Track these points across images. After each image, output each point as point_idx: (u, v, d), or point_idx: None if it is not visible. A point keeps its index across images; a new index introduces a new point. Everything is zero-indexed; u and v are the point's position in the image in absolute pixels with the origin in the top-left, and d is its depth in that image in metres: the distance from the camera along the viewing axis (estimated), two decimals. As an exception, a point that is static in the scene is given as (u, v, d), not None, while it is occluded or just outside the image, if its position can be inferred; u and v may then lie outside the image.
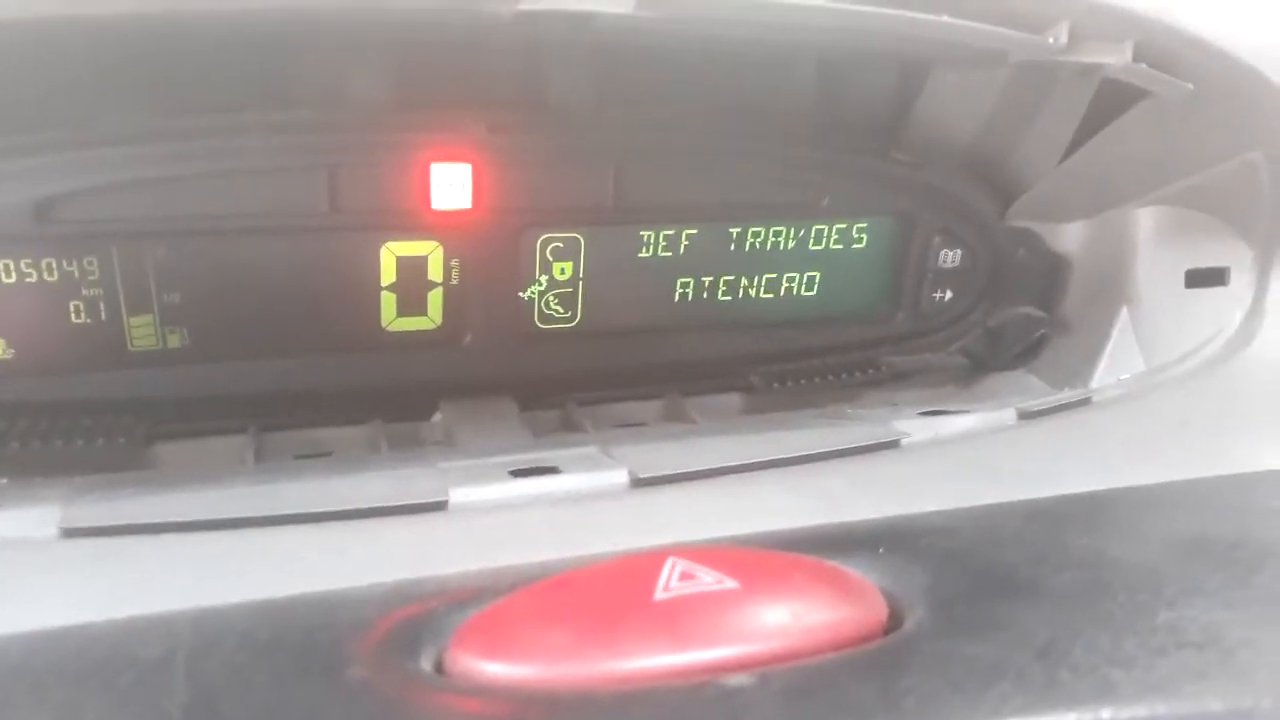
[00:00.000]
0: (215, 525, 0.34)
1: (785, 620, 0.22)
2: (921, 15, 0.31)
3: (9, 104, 0.41)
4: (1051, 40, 0.34)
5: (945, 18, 0.32)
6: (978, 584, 0.25)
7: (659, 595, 0.22)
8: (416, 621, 0.25)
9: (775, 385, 0.55)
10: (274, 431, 0.49)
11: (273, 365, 0.48)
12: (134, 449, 0.46)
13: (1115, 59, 0.36)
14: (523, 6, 0.28)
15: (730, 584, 0.23)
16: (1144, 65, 0.37)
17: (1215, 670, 0.20)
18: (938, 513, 0.33)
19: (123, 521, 0.34)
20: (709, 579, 0.23)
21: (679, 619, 0.22)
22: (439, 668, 0.23)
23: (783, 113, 0.51)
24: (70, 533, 0.34)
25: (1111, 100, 0.47)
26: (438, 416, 0.51)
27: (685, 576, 0.23)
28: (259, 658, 0.24)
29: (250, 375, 0.48)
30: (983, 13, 0.33)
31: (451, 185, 0.46)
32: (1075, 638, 0.22)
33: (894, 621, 0.24)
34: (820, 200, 0.52)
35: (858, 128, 0.53)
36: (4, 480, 0.45)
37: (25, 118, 0.41)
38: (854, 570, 0.26)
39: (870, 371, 0.56)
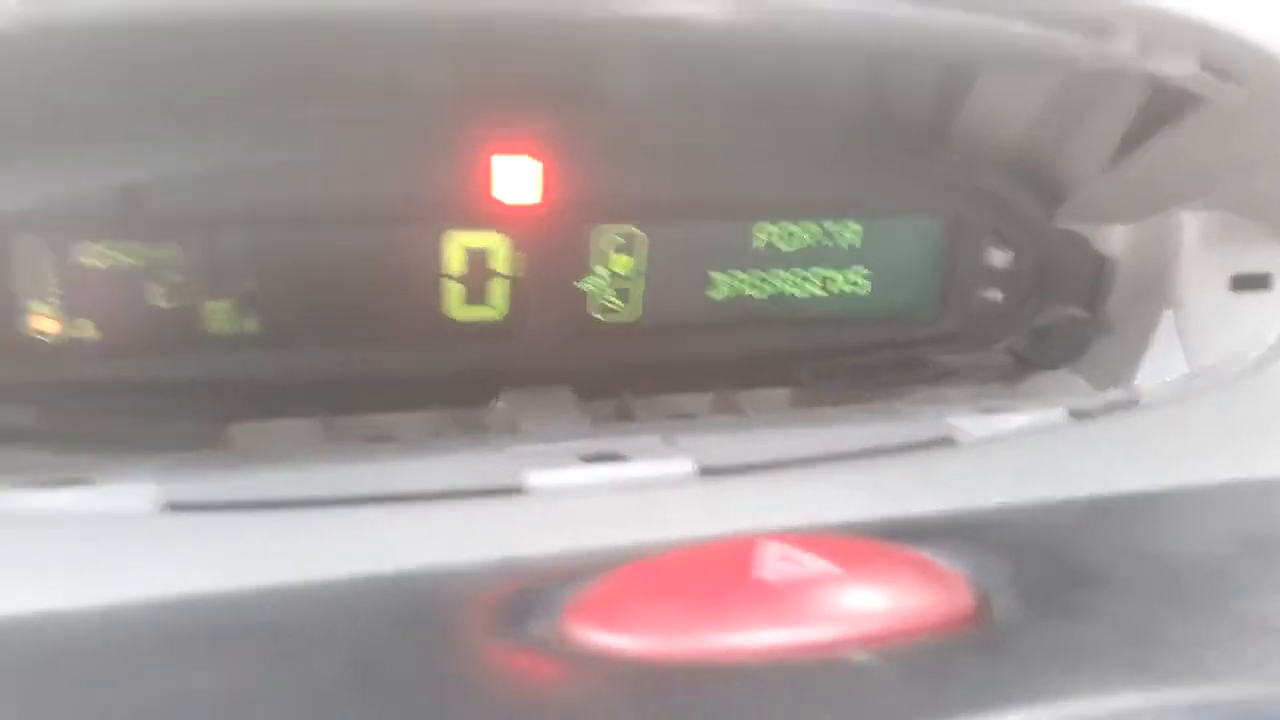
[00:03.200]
0: (308, 503, 0.36)
1: (886, 603, 0.23)
2: (1000, 24, 0.33)
3: (101, 94, 0.42)
4: (1120, 48, 0.35)
5: (1021, 26, 0.33)
6: (1057, 574, 0.27)
7: (763, 575, 0.24)
8: (527, 596, 0.26)
9: (824, 381, 0.56)
10: (341, 415, 0.50)
11: (342, 351, 0.49)
12: (211, 429, 0.48)
13: (1182, 68, 0.37)
14: (613, 9, 0.29)
15: (831, 568, 0.24)
16: (1208, 74, 0.38)
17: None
18: (1002, 507, 0.34)
19: (222, 498, 0.36)
20: (809, 562, 0.24)
21: (786, 598, 0.23)
22: (555, 638, 0.25)
23: (834, 111, 0.53)
24: (172, 507, 0.35)
25: (1158, 105, 0.48)
26: (499, 403, 0.52)
27: (786, 559, 0.24)
28: (382, 629, 0.25)
29: (320, 360, 0.49)
30: (1051, 19, 0.34)
31: (519, 179, 0.48)
32: (1162, 622, 0.23)
33: (981, 608, 0.25)
34: (872, 199, 0.53)
35: (907, 127, 0.54)
36: (88, 458, 0.46)
37: (115, 107, 0.43)
38: (939, 559, 0.27)
39: (918, 369, 0.57)
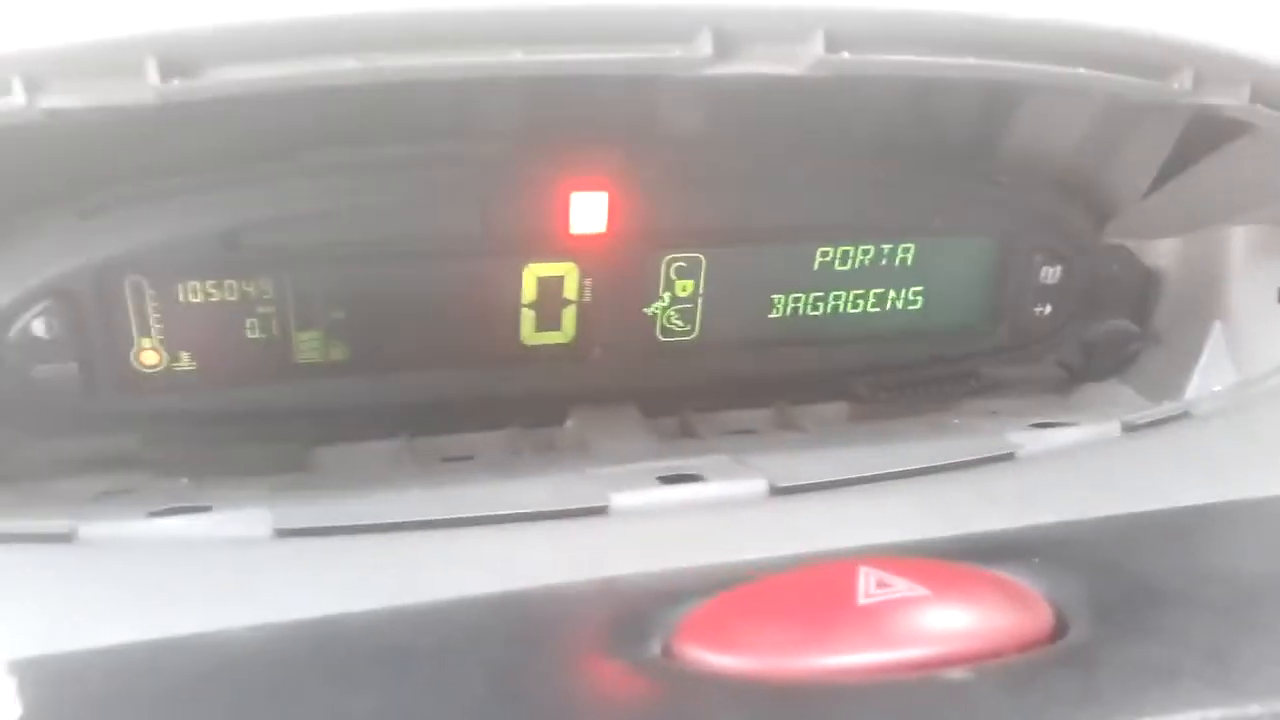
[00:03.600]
0: (408, 527, 0.38)
1: (974, 624, 0.25)
2: (1064, 70, 0.34)
3: (204, 146, 0.45)
4: (1177, 86, 0.37)
5: (1083, 71, 0.35)
6: (1127, 591, 0.28)
7: (862, 600, 0.26)
8: (635, 616, 0.29)
9: (879, 395, 0.58)
10: (421, 437, 0.53)
11: (423, 377, 0.52)
12: (299, 453, 0.51)
13: (1234, 100, 0.39)
14: (710, 71, 0.32)
15: (921, 591, 0.26)
16: (1260, 105, 0.39)
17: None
18: (1067, 524, 0.36)
19: (330, 523, 0.38)
20: (902, 586, 0.26)
21: (884, 621, 0.25)
22: (667, 658, 0.27)
23: (888, 137, 0.54)
24: (283, 533, 0.38)
25: (1206, 128, 0.49)
26: (570, 423, 0.55)
27: (881, 585, 0.26)
28: (497, 649, 0.28)
29: (403, 386, 0.52)
30: (1112, 64, 0.36)
31: (589, 211, 0.50)
32: (1236, 639, 0.25)
33: (1060, 626, 0.27)
34: (929, 220, 0.55)
35: (958, 150, 0.56)
36: (185, 480, 0.49)
37: (217, 156, 0.45)
38: (1017, 579, 0.29)
39: (971, 382, 0.59)
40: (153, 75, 0.29)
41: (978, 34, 0.33)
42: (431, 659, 0.27)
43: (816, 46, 0.32)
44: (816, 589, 0.27)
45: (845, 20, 0.32)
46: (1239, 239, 0.56)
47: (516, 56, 0.30)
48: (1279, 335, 0.56)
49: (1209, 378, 0.57)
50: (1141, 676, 0.24)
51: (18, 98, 0.29)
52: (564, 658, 0.27)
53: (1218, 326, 0.57)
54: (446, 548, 0.37)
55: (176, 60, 0.29)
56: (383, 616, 0.30)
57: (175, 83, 0.29)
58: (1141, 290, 0.60)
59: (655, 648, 0.27)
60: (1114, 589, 0.29)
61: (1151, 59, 0.36)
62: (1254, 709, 0.22)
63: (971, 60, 0.33)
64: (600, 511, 0.40)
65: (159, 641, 0.31)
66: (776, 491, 0.42)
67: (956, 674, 0.24)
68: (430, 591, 0.33)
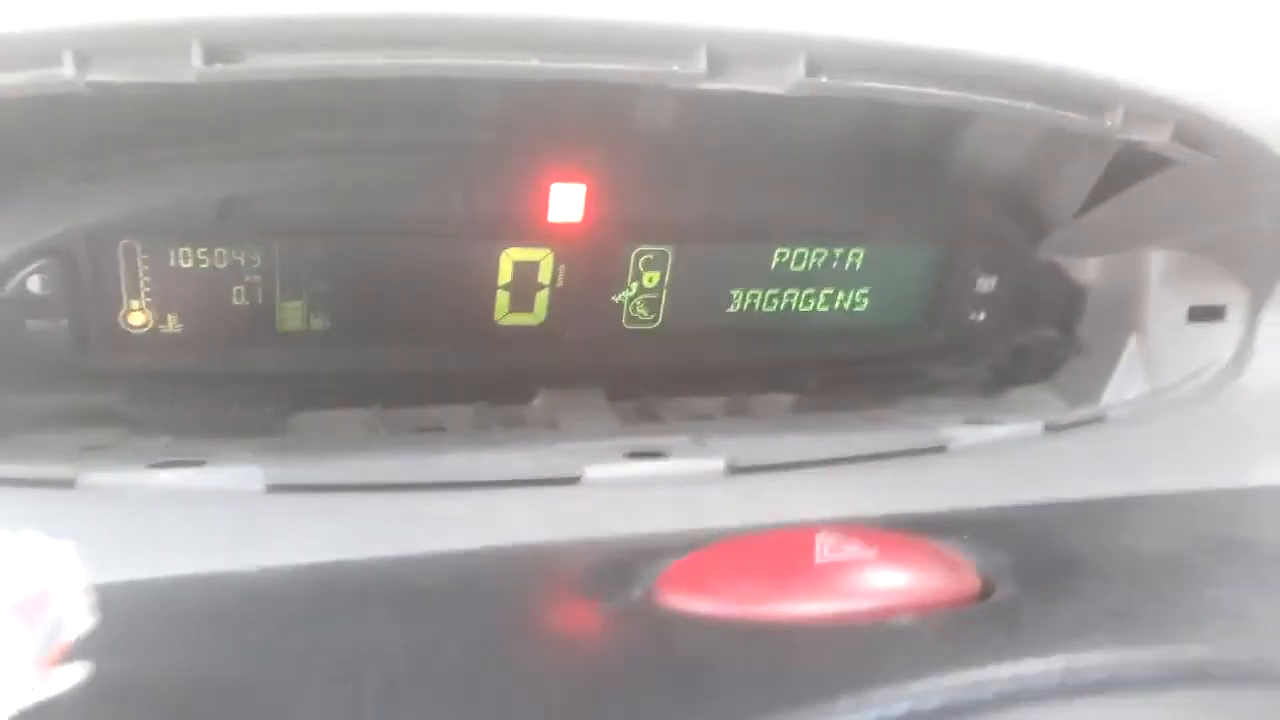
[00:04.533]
0: (395, 488, 0.41)
1: (912, 582, 0.29)
2: (1013, 103, 0.39)
3: (204, 116, 0.47)
4: (1109, 123, 0.41)
5: (1030, 105, 0.39)
6: (1046, 564, 0.33)
7: (820, 559, 0.30)
8: (618, 569, 0.32)
9: (825, 389, 0.62)
10: (395, 408, 0.56)
11: (400, 349, 0.54)
12: (278, 417, 0.53)
13: (1158, 138, 0.43)
14: (703, 86, 0.35)
15: (869, 553, 0.30)
16: (1180, 143, 0.44)
17: (1248, 631, 0.28)
18: (994, 508, 0.41)
19: (318, 481, 0.41)
20: (853, 550, 0.30)
21: (838, 577, 0.29)
22: (650, 603, 0.30)
23: (845, 150, 0.58)
24: (275, 488, 0.41)
25: (1133, 159, 0.54)
26: (537, 401, 0.58)
27: (834, 549, 0.30)
28: (492, 596, 0.31)
29: (380, 357, 0.54)
30: (1055, 99, 0.40)
31: (567, 202, 0.53)
32: (1138, 602, 0.29)
33: (986, 588, 0.31)
34: (877, 226, 0.59)
35: (909, 164, 0.60)
36: (167, 439, 0.51)
37: (214, 128, 0.47)
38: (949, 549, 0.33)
39: (908, 380, 0.63)
40: (197, 59, 0.31)
41: (941, 67, 0.37)
42: (435, 602, 0.31)
43: (798, 70, 0.35)
44: (781, 549, 0.31)
45: (824, 48, 0.35)
46: (1156, 262, 0.62)
47: (533, 63, 0.33)
48: (1186, 350, 0.61)
49: (1123, 386, 0.62)
50: (1056, 628, 0.28)
51: (67, 70, 0.31)
52: (557, 602, 0.30)
53: (1133, 340, 0.62)
54: (433, 507, 0.40)
55: (220, 46, 0.31)
56: (382, 563, 0.33)
57: (217, 67, 0.31)
58: (1068, 303, 0.65)
59: (638, 594, 0.31)
60: (1033, 561, 0.33)
61: (1089, 97, 0.41)
62: (1148, 654, 0.26)
63: (933, 90, 0.37)
64: (573, 481, 0.43)
65: (172, 579, 0.33)
66: (734, 470, 0.45)
67: (899, 622, 0.28)
68: (422, 545, 0.36)
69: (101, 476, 0.40)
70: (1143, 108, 0.42)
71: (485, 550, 0.35)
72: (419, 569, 0.32)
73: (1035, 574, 0.32)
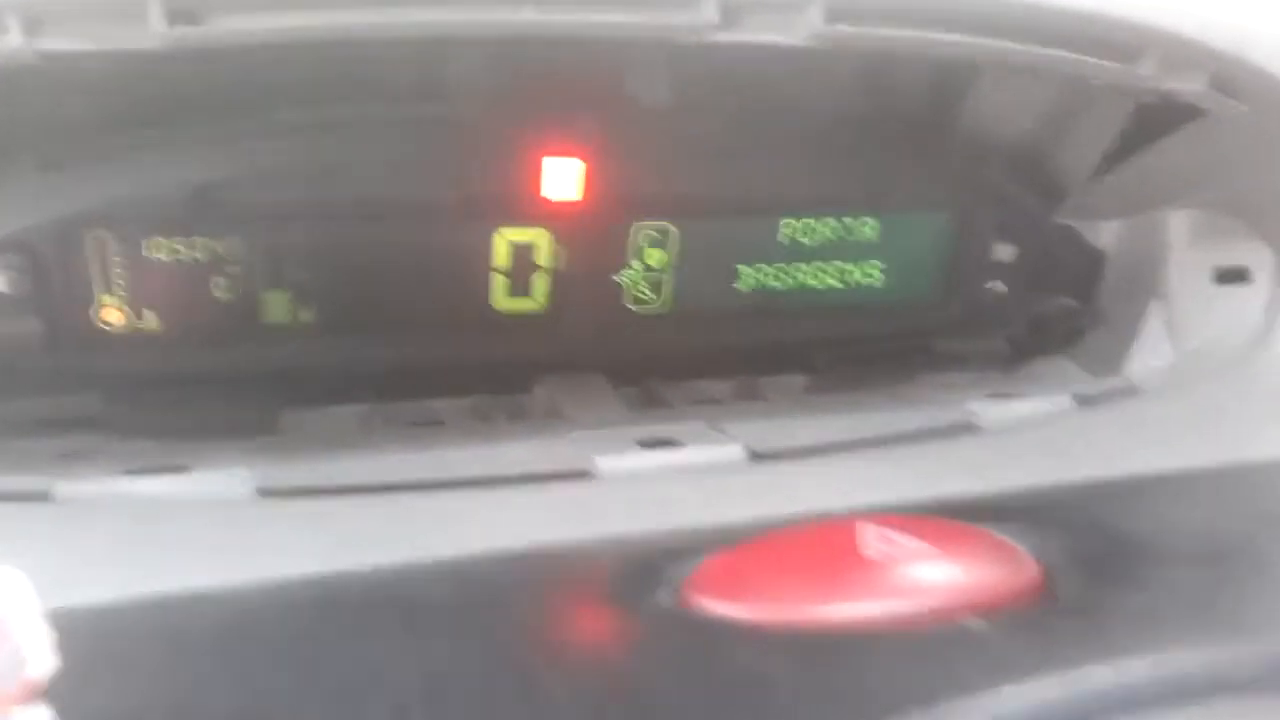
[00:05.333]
0: (395, 488, 0.38)
1: (970, 577, 0.27)
2: (1043, 51, 0.36)
3: (174, 97, 0.44)
4: (1142, 71, 0.39)
5: (1060, 52, 0.36)
6: (1106, 550, 0.30)
7: (867, 553, 0.27)
8: (638, 570, 0.29)
9: (838, 367, 0.60)
10: (389, 401, 0.53)
11: (391, 340, 0.51)
12: (266, 416, 0.50)
13: (1195, 86, 0.41)
14: (713, 38, 0.32)
15: (921, 545, 0.27)
16: (1215, 92, 0.41)
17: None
18: (1036, 488, 0.38)
19: (311, 484, 0.38)
20: (903, 541, 0.27)
21: (889, 573, 0.26)
22: (676, 608, 0.28)
23: (850, 112, 0.56)
24: (266, 493, 0.38)
25: (1154, 113, 0.51)
26: (538, 390, 0.55)
27: (883, 540, 0.27)
28: (507, 604, 0.28)
29: (371, 349, 0.51)
30: (1085, 46, 0.37)
31: (563, 178, 0.50)
32: (1214, 590, 0.27)
33: (1047, 579, 0.28)
34: (887, 194, 0.56)
35: (919, 127, 0.57)
36: (148, 443, 0.48)
37: (187, 109, 0.44)
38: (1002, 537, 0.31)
39: (925, 355, 0.61)
40: (158, 21, 0.28)
41: (968, 12, 0.34)
42: (448, 614, 0.28)
43: (816, 17, 0.33)
44: (820, 543, 0.28)
45: (845, -7, 0.32)
46: (1179, 222, 0.59)
47: (528, 15, 0.30)
48: (1214, 315, 0.58)
49: (1147, 354, 0.59)
50: (1130, 624, 0.25)
51: (14, 38, 0.28)
52: (579, 612, 0.28)
53: (1156, 305, 0.59)
54: (436, 508, 0.37)
55: (184, 6, 0.28)
56: (387, 573, 0.30)
57: (180, 29, 0.28)
58: (1087, 270, 0.62)
59: (667, 600, 0.28)
60: (1092, 548, 0.31)
61: (1120, 43, 0.38)
62: (1237, 650, 0.24)
63: (959, 37, 0.35)
64: (584, 475, 0.41)
65: (150, 598, 0.30)
66: (755, 456, 0.43)
67: (966, 622, 0.25)
68: (428, 550, 0.33)
69: (77, 487, 0.37)
70: (1178, 54, 0.39)
71: (495, 554, 0.32)
72: (426, 578, 0.30)
73: (1098, 562, 0.29)
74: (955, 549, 0.28)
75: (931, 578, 0.27)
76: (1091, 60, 0.38)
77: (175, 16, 0.28)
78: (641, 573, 0.29)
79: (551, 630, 0.26)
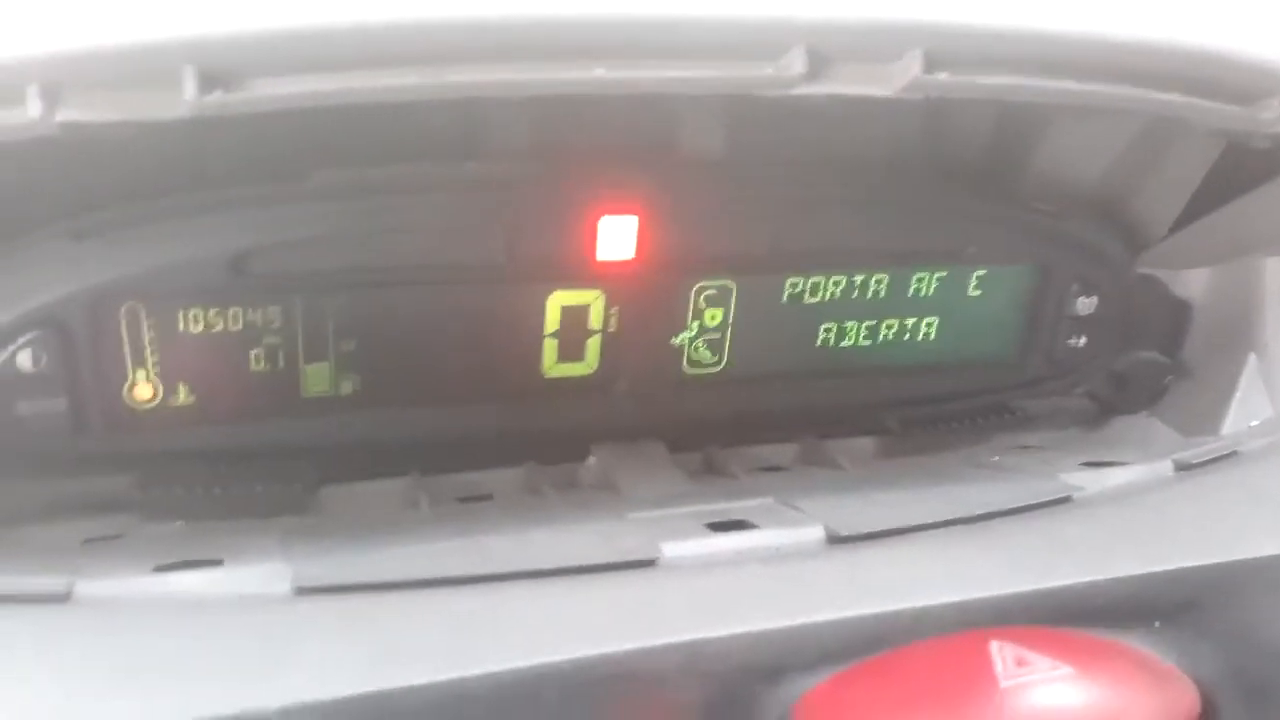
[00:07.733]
0: (441, 583, 0.35)
1: (1124, 707, 0.23)
2: (1160, 96, 0.32)
3: (210, 162, 0.41)
4: (1266, 114, 0.35)
5: (1176, 97, 0.33)
6: (1266, 660, 0.26)
7: (1005, 683, 0.23)
8: (737, 695, 0.26)
9: (912, 429, 0.56)
10: (435, 475, 0.49)
11: (438, 411, 0.48)
12: (303, 494, 0.47)
13: (1314, 130, 0.37)
14: (799, 90, 0.29)
15: (1065, 669, 0.24)
16: (1334, 135, 0.38)
17: None
18: (1156, 575, 0.34)
19: (353, 580, 0.35)
20: (1043, 664, 0.24)
21: (1032, 707, 0.23)
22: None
23: (921, 163, 0.52)
24: (304, 591, 0.34)
25: (1240, 153, 0.47)
26: (592, 459, 0.51)
27: (1020, 663, 0.24)
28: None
29: (415, 420, 0.48)
30: (1205, 90, 0.34)
31: (617, 237, 0.47)
32: None
33: (1206, 704, 0.24)
34: (965, 248, 0.53)
35: (993, 177, 0.54)
36: (180, 523, 0.46)
37: (223, 175, 0.42)
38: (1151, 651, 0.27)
39: (1005, 416, 0.57)
40: (190, 88, 0.25)
41: (1081, 56, 0.31)
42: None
43: (914, 66, 0.29)
44: (950, 665, 0.25)
45: (945, 38, 0.29)
46: (1274, 270, 0.55)
47: (598, 73, 0.27)
48: (1316, 368, 0.54)
49: (1245, 412, 0.55)
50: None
51: (33, 109, 0.25)
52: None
53: (1253, 359, 0.55)
54: (488, 607, 0.34)
55: (218, 71, 0.25)
56: (436, 691, 0.27)
57: (216, 95, 0.26)
58: (1173, 322, 0.58)
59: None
60: (1245, 657, 0.27)
61: (1244, 85, 0.34)
62: None
63: (1071, 85, 0.31)
64: (650, 564, 0.37)
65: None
66: (835, 540, 0.39)
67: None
68: (480, 660, 0.30)
69: (101, 586, 0.34)
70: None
71: (557, 666, 0.28)
72: (482, 696, 0.26)
73: (1257, 677, 0.25)
74: (1103, 672, 0.24)
75: (1081, 711, 0.23)
76: (1206, 103, 0.34)
77: (209, 82, 0.25)
78: (737, 694, 0.26)
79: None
